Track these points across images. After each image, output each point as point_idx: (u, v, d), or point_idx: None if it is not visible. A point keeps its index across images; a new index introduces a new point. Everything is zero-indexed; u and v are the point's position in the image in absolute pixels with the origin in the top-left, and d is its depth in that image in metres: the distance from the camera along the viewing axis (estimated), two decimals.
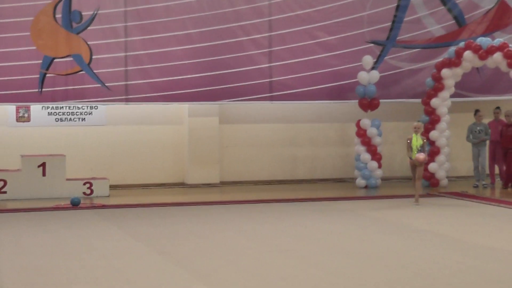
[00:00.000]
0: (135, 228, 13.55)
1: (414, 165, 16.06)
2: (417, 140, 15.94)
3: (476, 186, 18.93)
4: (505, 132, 18.63)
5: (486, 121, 19.25)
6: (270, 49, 19.80)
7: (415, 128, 16.01)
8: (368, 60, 19.64)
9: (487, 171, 19.34)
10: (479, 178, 19.06)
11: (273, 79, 19.81)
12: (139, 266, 10.36)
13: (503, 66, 18.41)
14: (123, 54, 18.96)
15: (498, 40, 18.73)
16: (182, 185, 20.18)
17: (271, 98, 19.88)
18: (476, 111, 19.13)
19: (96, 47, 18.82)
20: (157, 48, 19.13)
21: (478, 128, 18.91)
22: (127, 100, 19.10)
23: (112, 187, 18.88)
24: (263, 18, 19.71)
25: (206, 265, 10.38)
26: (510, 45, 18.31)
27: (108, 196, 18.12)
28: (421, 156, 15.82)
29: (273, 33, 19.79)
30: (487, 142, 19.09)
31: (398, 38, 20.42)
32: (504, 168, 18.79)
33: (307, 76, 19.99)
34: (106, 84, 18.85)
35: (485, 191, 18.46)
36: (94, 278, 9.60)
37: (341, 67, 20.13)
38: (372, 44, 20.34)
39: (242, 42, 19.62)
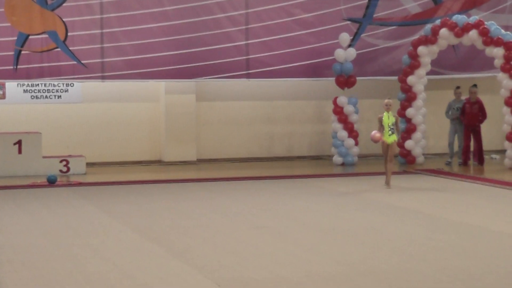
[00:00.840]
0: (111, 205, 13.53)
1: (386, 145, 15.20)
2: (388, 118, 15.08)
3: (449, 163, 18.99)
4: (469, 110, 18.66)
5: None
6: (246, 27, 19.74)
7: (386, 105, 15.12)
8: (345, 37, 19.63)
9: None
10: (452, 155, 19.14)
11: (250, 57, 19.76)
12: (115, 243, 10.36)
13: (479, 43, 18.47)
14: (99, 31, 18.84)
15: (474, 17, 18.78)
16: (158, 162, 20.15)
17: (248, 76, 19.86)
18: (457, 87, 19.19)
19: (71, 24, 18.69)
20: (133, 25, 19.02)
21: (457, 105, 18.98)
22: (103, 78, 19.01)
23: (89, 164, 18.81)
24: None
25: (182, 242, 10.40)
26: (485, 22, 18.37)
27: (85, 173, 18.06)
28: (377, 134, 14.89)
29: (249, 10, 19.73)
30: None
31: (374, 15, 20.42)
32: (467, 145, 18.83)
33: (284, 53, 19.97)
34: (82, 61, 18.74)
35: (459, 168, 18.55)
36: (70, 256, 9.59)
37: (318, 45, 20.11)
38: (348, 22, 20.32)
39: (218, 19, 19.54)
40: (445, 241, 10.30)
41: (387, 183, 15.26)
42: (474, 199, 14.06)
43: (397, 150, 15.64)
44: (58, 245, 10.22)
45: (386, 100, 15.21)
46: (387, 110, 15.13)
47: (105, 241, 10.49)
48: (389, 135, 15.09)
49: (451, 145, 19.18)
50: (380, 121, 15.15)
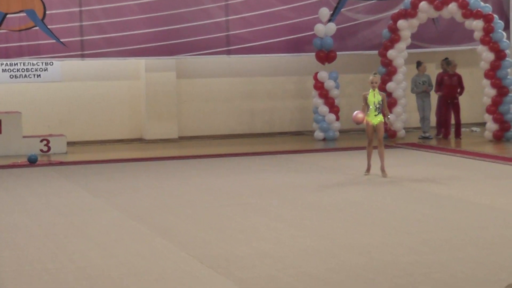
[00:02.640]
0: (93, 184, 13.50)
1: (372, 126, 13.57)
2: (374, 96, 13.50)
3: (422, 138, 18.98)
4: (448, 82, 18.69)
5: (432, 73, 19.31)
6: (226, 3, 19.64)
7: (371, 83, 13.52)
8: (325, 12, 19.60)
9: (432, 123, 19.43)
10: (428, 129, 19.07)
11: (230, 33, 19.69)
12: (98, 222, 10.34)
13: (458, 16, 18.49)
14: (77, 9, 18.69)
15: None
16: (140, 140, 20.10)
17: (228, 52, 19.79)
18: (420, 63, 19.16)
19: (49, 2, 18.52)
20: (112, 2, 18.88)
21: (422, 79, 18.99)
22: (83, 56, 18.89)
23: (70, 143, 18.73)
24: None
25: (165, 219, 10.39)
26: None
27: (66, 153, 17.99)
28: (359, 114, 13.35)
29: None
30: (431, 93, 19.17)
31: None
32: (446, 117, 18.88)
33: (264, 29, 19.90)
34: (61, 40, 18.60)
35: (439, 142, 18.61)
36: (52, 235, 9.56)
37: (298, 20, 20.06)
38: None
39: None
40: (427, 213, 10.35)
41: (382, 170, 13.48)
42: (456, 172, 14.11)
43: (382, 132, 13.74)
44: (40, 224, 10.19)
45: (371, 77, 13.64)
46: (373, 87, 13.51)
47: (88, 220, 10.46)
48: (375, 115, 13.52)
49: (422, 120, 19.07)
50: (365, 99, 13.54)
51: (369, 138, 13.66)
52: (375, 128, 13.59)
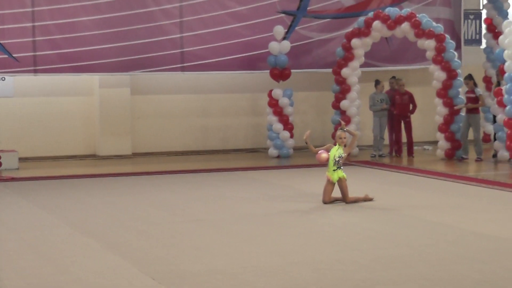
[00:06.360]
0: (45, 200, 13.39)
1: (332, 183, 12.42)
2: (337, 150, 12.41)
3: (374, 156, 19.08)
4: (399, 101, 18.92)
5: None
6: (181, 19, 19.67)
7: (340, 138, 12.43)
8: (279, 30, 19.71)
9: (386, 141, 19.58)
10: (377, 148, 19.13)
11: (184, 50, 19.70)
12: (50, 238, 10.25)
13: (411, 36, 18.71)
14: (30, 24, 18.57)
15: (406, 10, 19.00)
16: (93, 156, 19.98)
17: (183, 69, 19.80)
18: (378, 81, 19.31)
19: (2, 16, 18.37)
20: (65, 18, 18.79)
21: (380, 97, 19.15)
22: (36, 71, 18.75)
23: (22, 159, 18.57)
24: None
25: (118, 236, 10.35)
26: (417, 15, 18.61)
27: (18, 168, 17.82)
28: (323, 154, 12.40)
29: (184, 3, 19.66)
30: (386, 112, 19.30)
31: (308, 8, 20.53)
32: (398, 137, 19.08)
33: (218, 46, 19.95)
34: (14, 55, 18.46)
35: (392, 160, 18.77)
36: (4, 251, 9.47)
37: (253, 38, 20.14)
38: (283, 14, 20.40)
39: (152, 12, 19.44)
40: (378, 230, 10.44)
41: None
42: (408, 190, 14.25)
43: (346, 188, 12.47)
44: None
45: (339, 132, 12.53)
46: (340, 143, 12.44)
47: (39, 236, 10.38)
48: (334, 170, 12.40)
49: (376, 138, 19.12)
50: (328, 149, 12.51)
51: (325, 195, 12.46)
52: (336, 186, 12.44)
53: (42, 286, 7.89)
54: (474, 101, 17.86)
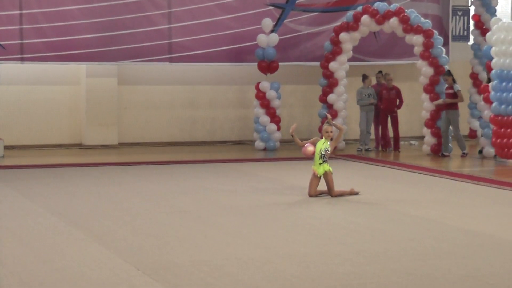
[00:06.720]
0: (30, 189, 13.34)
1: (317, 177, 12.43)
2: (323, 144, 12.42)
3: (360, 150, 19.11)
4: (386, 96, 18.96)
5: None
6: (169, 10, 19.62)
7: (326, 132, 12.44)
8: (268, 23, 19.69)
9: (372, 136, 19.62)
10: (364, 142, 19.17)
11: (172, 41, 19.66)
12: (34, 227, 10.22)
13: (399, 31, 18.72)
14: (17, 12, 18.48)
15: (395, 5, 19.01)
16: (79, 146, 19.92)
17: (171, 60, 19.75)
18: (366, 76, 19.32)
19: None
20: (53, 6, 18.72)
21: (367, 92, 19.16)
22: (22, 59, 18.67)
23: (7, 147, 18.50)
24: None
25: (102, 226, 10.32)
26: (406, 10, 18.62)
27: (3, 157, 17.75)
28: (309, 147, 12.45)
29: None
30: (373, 107, 19.33)
31: (297, 1, 20.51)
32: (385, 131, 19.12)
33: (206, 38, 19.91)
34: (0, 43, 18.37)
35: (378, 154, 18.80)
36: None
37: (241, 30, 20.12)
38: (271, 7, 20.38)
39: (140, 2, 19.36)
40: (363, 224, 10.45)
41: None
42: (393, 184, 14.28)
43: (332, 182, 12.46)
44: None
45: (325, 126, 12.52)
46: (327, 137, 12.45)
47: (23, 225, 10.34)
48: (320, 163, 12.39)
49: (363, 133, 19.13)
50: (314, 143, 12.52)
51: (310, 188, 12.48)
52: (321, 179, 12.44)
53: (24, 274, 7.87)
54: (452, 97, 17.92)
